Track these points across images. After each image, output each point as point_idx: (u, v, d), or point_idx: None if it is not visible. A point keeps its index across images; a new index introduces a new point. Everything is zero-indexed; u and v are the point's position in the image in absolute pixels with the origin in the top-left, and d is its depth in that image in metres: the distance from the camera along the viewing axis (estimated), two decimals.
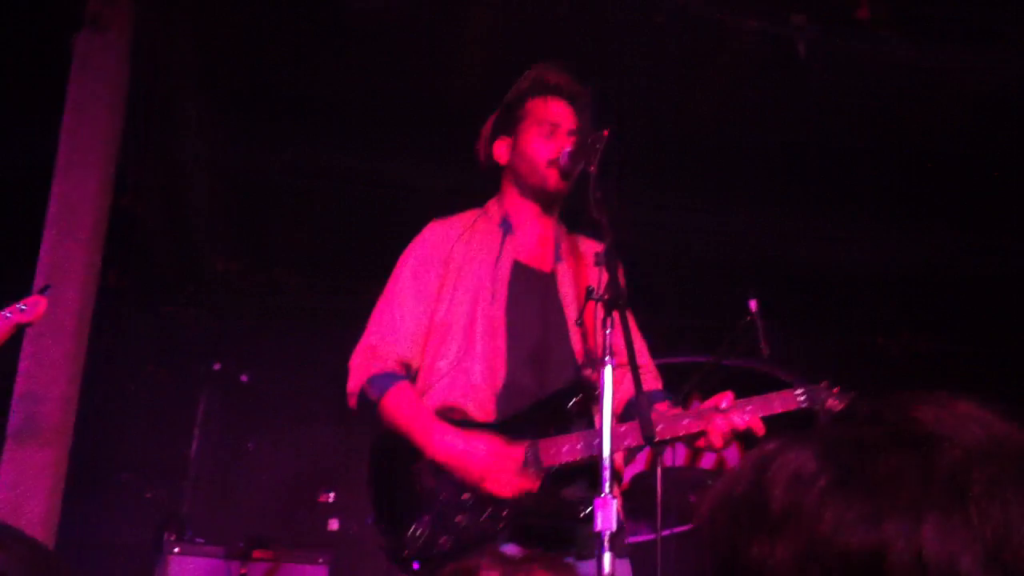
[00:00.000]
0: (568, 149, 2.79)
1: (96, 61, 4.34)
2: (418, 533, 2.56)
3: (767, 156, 5.60)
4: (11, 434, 3.87)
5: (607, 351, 2.24)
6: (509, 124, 2.97)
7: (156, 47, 4.72)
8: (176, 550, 4.67)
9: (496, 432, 2.61)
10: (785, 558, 0.77)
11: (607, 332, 2.27)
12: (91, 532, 5.70)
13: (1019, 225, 5.93)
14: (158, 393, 6.35)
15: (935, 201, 5.81)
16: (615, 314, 2.30)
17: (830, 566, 0.74)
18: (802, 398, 2.54)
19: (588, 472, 2.55)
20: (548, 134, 2.88)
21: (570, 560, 2.57)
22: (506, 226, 2.93)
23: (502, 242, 2.89)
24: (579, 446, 2.56)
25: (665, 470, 4.42)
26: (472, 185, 3.11)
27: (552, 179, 2.85)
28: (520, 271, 2.86)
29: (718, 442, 2.50)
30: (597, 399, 2.61)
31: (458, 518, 2.56)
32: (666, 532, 4.06)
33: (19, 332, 3.63)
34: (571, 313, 2.81)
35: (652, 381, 2.85)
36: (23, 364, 3.95)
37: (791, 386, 2.57)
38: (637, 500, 4.70)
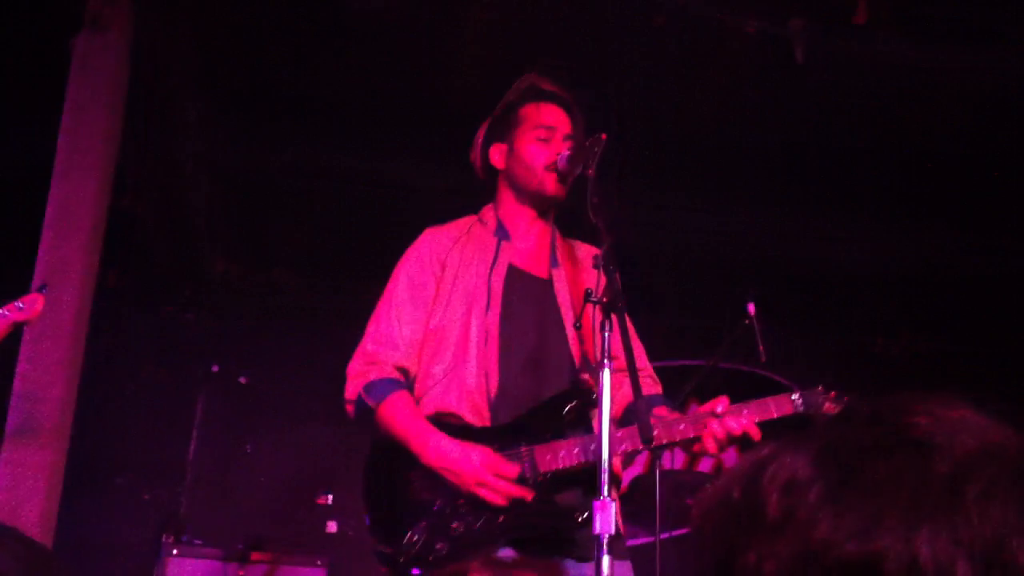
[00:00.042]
0: (566, 153, 2.79)
1: (96, 61, 4.33)
2: (414, 539, 2.56)
3: (767, 156, 5.59)
4: (9, 435, 3.86)
5: (605, 354, 2.24)
6: (503, 130, 2.97)
7: (156, 47, 4.71)
8: (174, 552, 4.67)
9: (492, 437, 2.61)
10: (781, 564, 0.76)
11: (605, 335, 2.27)
12: (89, 533, 5.69)
13: (1019, 225, 5.92)
14: (157, 394, 6.35)
15: (935, 201, 5.80)
16: (613, 317, 2.30)
17: (826, 573, 0.74)
18: (798, 402, 2.54)
19: (585, 478, 2.55)
20: (544, 138, 2.88)
21: (570, 562, 2.57)
22: (502, 232, 2.93)
23: (497, 248, 2.89)
24: (576, 451, 2.56)
25: (663, 473, 4.41)
26: (472, 185, 3.11)
27: (550, 183, 2.84)
28: (516, 276, 2.86)
29: (712, 447, 2.50)
30: (594, 404, 2.61)
31: (454, 524, 2.56)
32: (665, 535, 4.06)
33: (17, 331, 3.63)
34: (568, 318, 2.81)
35: (651, 385, 2.85)
36: (21, 365, 3.94)
37: (789, 390, 2.57)
38: (636, 503, 4.71)
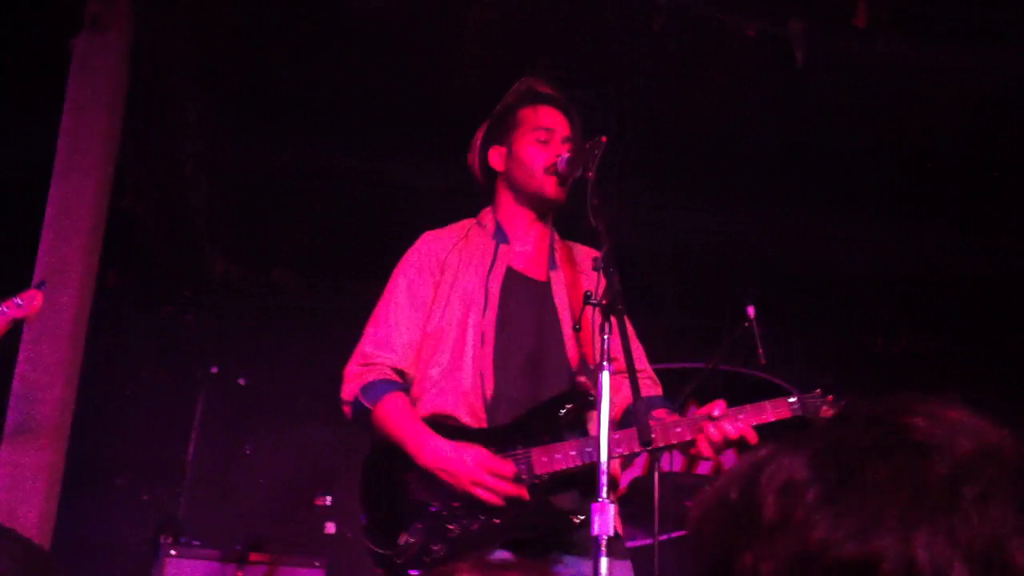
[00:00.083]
0: (565, 155, 2.79)
1: (96, 62, 4.33)
2: (411, 541, 2.56)
3: (767, 156, 5.59)
4: (8, 435, 3.86)
5: (605, 356, 2.24)
6: (502, 133, 2.97)
7: (156, 48, 4.71)
8: (173, 552, 4.67)
9: (488, 439, 2.61)
10: (778, 565, 0.76)
11: (605, 337, 2.27)
12: (88, 534, 5.69)
13: (1019, 225, 5.92)
14: (156, 394, 6.35)
15: (935, 201, 5.80)
16: (613, 319, 2.30)
17: (824, 573, 0.74)
18: (796, 406, 2.54)
19: (581, 481, 2.55)
20: (543, 140, 2.87)
21: (569, 558, 2.57)
22: (500, 235, 2.93)
23: (495, 251, 2.89)
24: (572, 453, 2.56)
25: (662, 475, 4.42)
26: (472, 185, 3.11)
27: (550, 186, 2.84)
28: (514, 279, 2.86)
29: (706, 451, 2.50)
30: (591, 406, 2.61)
31: (450, 526, 2.56)
32: (663, 537, 4.06)
33: (16, 328, 3.61)
34: (565, 320, 2.81)
35: (650, 387, 2.84)
36: (20, 366, 3.95)
37: (788, 393, 2.57)
38: (636, 505, 4.71)
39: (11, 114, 5.06)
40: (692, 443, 2.53)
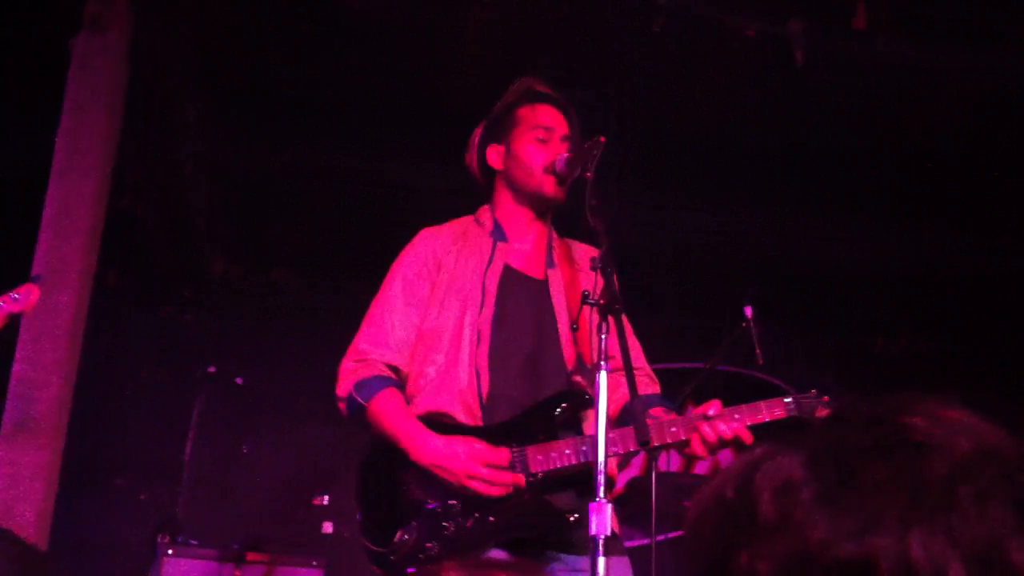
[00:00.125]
0: (565, 156, 2.79)
1: (95, 62, 4.34)
2: (406, 539, 2.56)
3: (767, 156, 5.59)
4: (6, 435, 3.85)
5: (602, 356, 2.23)
6: (500, 132, 2.96)
7: (155, 48, 4.71)
8: (170, 552, 4.67)
9: (484, 437, 2.62)
10: (775, 564, 0.76)
11: (602, 337, 2.26)
12: (86, 534, 5.69)
13: (1019, 225, 5.92)
14: (156, 394, 6.35)
15: (935, 201, 5.80)
16: (610, 319, 2.30)
17: (822, 573, 0.74)
18: (791, 406, 2.54)
19: (577, 480, 2.55)
20: (542, 139, 2.87)
21: (565, 556, 2.57)
22: (498, 233, 2.93)
23: (493, 249, 2.89)
24: (567, 452, 2.56)
25: (660, 475, 4.41)
26: (472, 185, 3.11)
27: (548, 184, 2.84)
28: (511, 277, 2.86)
29: (700, 450, 2.50)
30: (588, 405, 2.61)
31: (445, 524, 2.56)
32: (661, 537, 4.06)
33: (14, 323, 3.57)
34: (562, 319, 2.81)
35: (648, 385, 2.84)
36: (17, 366, 3.94)
37: (787, 394, 2.56)
38: (634, 505, 4.70)
39: (10, 114, 5.05)
40: (687, 443, 2.53)
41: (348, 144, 5.61)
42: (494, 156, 2.97)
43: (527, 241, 2.93)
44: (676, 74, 5.05)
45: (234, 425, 6.38)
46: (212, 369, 6.43)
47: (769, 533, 0.76)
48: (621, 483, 5.78)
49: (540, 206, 2.93)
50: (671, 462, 5.43)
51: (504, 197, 2.96)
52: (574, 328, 2.69)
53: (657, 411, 2.69)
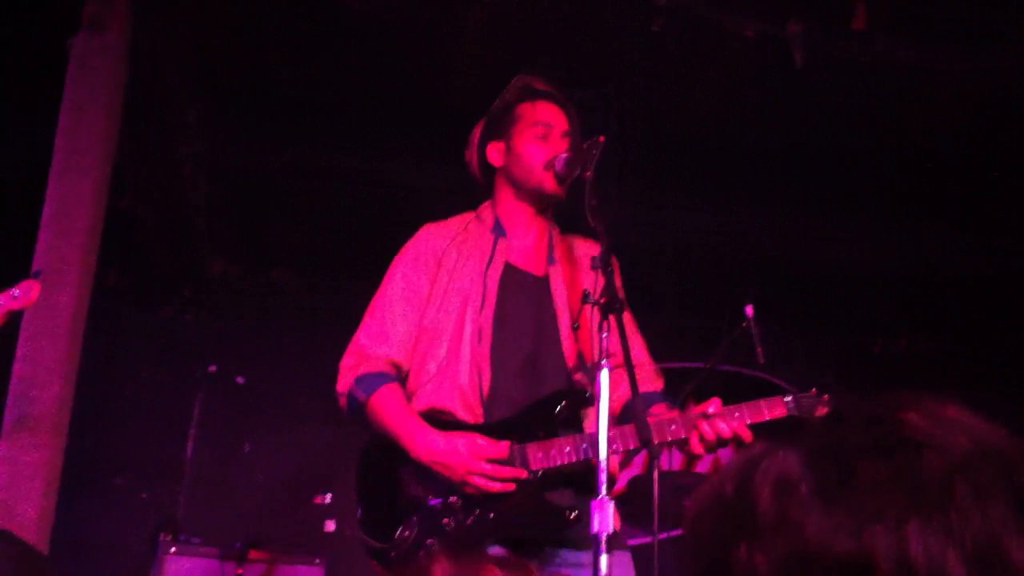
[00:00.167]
0: (564, 155, 2.79)
1: (94, 62, 4.33)
2: (406, 535, 2.56)
3: (767, 156, 5.59)
4: (6, 434, 3.85)
5: (603, 355, 2.23)
6: (500, 129, 2.96)
7: (155, 48, 4.71)
8: (172, 551, 4.67)
9: (484, 434, 2.61)
10: (773, 564, 0.76)
11: (603, 336, 2.26)
12: (87, 533, 5.70)
13: (1019, 225, 5.92)
14: (156, 394, 6.35)
15: (935, 201, 5.80)
16: (611, 318, 2.30)
17: (820, 570, 0.74)
18: (791, 405, 2.53)
19: (576, 478, 2.55)
20: (542, 136, 2.87)
21: (565, 552, 2.57)
22: (499, 229, 2.93)
23: (494, 245, 2.89)
24: (567, 450, 2.56)
25: (662, 474, 4.40)
26: (472, 185, 3.11)
27: (549, 181, 2.84)
28: (512, 274, 2.85)
29: (698, 449, 2.49)
30: (588, 403, 2.61)
31: (445, 520, 2.56)
32: (663, 535, 4.05)
33: (14, 320, 3.55)
34: (563, 316, 2.81)
35: (651, 382, 2.83)
36: (17, 366, 3.94)
37: (786, 393, 2.56)
38: (635, 505, 4.70)
39: (9, 114, 5.06)
40: (687, 441, 2.53)
41: (348, 144, 5.61)
42: (494, 153, 2.96)
43: (528, 238, 2.93)
44: (676, 74, 5.05)
45: (235, 424, 6.38)
46: (213, 369, 6.43)
47: (768, 531, 0.77)
48: (623, 481, 5.78)
49: (541, 203, 2.93)
50: (673, 461, 5.42)
51: (505, 194, 2.96)
52: (575, 328, 2.69)
53: (658, 408, 2.69)
